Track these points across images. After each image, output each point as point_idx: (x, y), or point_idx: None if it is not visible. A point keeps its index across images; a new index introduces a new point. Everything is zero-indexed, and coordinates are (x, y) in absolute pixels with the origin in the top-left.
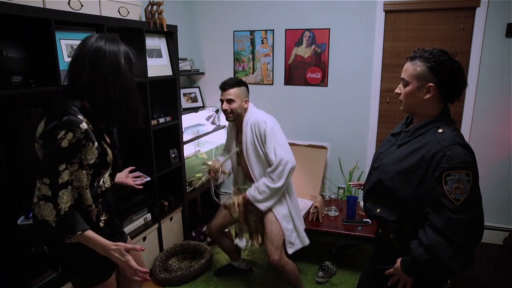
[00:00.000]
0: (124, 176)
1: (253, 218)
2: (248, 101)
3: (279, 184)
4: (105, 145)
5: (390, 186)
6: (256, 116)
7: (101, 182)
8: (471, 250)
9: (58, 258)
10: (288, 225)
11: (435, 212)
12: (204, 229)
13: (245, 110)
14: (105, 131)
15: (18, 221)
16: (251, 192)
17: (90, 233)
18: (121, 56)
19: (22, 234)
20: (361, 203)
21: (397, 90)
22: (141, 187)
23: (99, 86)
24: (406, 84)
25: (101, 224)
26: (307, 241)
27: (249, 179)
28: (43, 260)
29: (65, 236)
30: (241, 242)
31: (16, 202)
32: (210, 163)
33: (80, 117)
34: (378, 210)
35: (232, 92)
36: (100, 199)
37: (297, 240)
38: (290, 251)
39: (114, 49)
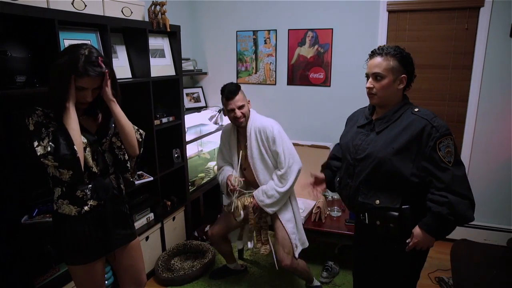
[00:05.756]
0: None
1: (261, 223)
2: (249, 100)
3: (287, 186)
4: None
5: (391, 169)
6: (260, 121)
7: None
8: (473, 199)
9: (54, 236)
10: (294, 228)
11: (439, 176)
12: (207, 229)
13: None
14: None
15: (22, 220)
16: (259, 196)
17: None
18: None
19: (25, 234)
20: None
21: (369, 85)
22: None
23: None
24: (382, 77)
25: (86, 208)
26: (306, 243)
27: (252, 184)
28: (46, 259)
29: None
30: (251, 244)
31: (19, 201)
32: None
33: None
34: (378, 201)
35: (240, 98)
36: (89, 184)
37: (299, 242)
38: (296, 254)
39: (64, 53)
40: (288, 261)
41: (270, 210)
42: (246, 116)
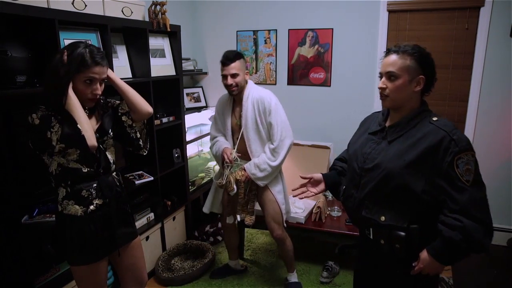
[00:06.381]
0: None
1: (250, 195)
2: (248, 73)
3: (279, 160)
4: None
5: (400, 183)
6: (258, 92)
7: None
8: (492, 225)
9: (58, 237)
10: (283, 199)
11: (455, 196)
12: (207, 229)
13: (246, 82)
14: (101, 117)
15: (22, 220)
16: (251, 170)
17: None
18: (59, 55)
19: (25, 233)
20: None
21: (381, 85)
22: None
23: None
24: (396, 77)
25: (92, 207)
26: (290, 212)
27: (243, 154)
28: (46, 259)
29: None
30: (240, 217)
31: (20, 201)
32: (232, 158)
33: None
34: (383, 218)
35: (235, 66)
36: (93, 183)
37: (284, 211)
38: (283, 223)
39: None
40: (280, 230)
41: (261, 183)
42: (238, 86)
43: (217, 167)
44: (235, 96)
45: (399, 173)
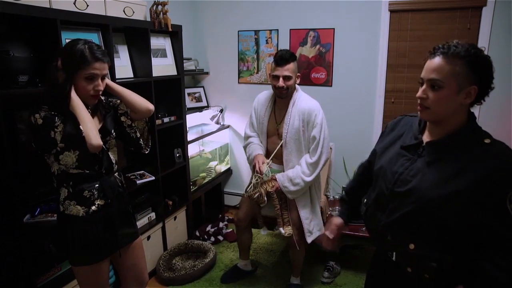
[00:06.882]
0: None
1: (281, 204)
2: (300, 76)
3: (314, 175)
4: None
5: (439, 217)
6: (306, 102)
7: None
8: None
9: (59, 237)
10: (307, 214)
11: (505, 236)
12: (208, 228)
13: (295, 88)
14: (103, 116)
15: (24, 219)
16: (284, 182)
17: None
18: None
19: (27, 232)
20: None
21: (421, 94)
22: None
23: None
24: (440, 87)
25: (94, 208)
26: (323, 229)
27: (275, 156)
28: (48, 258)
29: None
30: (282, 229)
31: (21, 200)
32: (264, 170)
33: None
34: (412, 246)
35: (289, 68)
36: (96, 184)
37: (315, 228)
38: (309, 240)
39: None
40: (297, 236)
41: (291, 196)
42: (289, 89)
43: (218, 167)
44: (281, 98)
45: (438, 204)
